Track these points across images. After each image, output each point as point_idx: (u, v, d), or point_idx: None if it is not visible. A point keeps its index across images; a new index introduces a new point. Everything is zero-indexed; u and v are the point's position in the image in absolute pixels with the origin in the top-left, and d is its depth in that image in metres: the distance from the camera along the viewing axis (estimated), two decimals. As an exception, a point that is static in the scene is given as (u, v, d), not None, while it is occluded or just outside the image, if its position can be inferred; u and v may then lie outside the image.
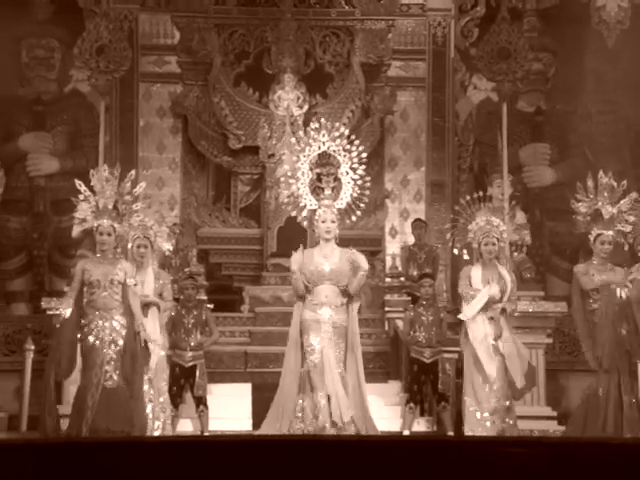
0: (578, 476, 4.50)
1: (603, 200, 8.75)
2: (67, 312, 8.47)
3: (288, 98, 12.66)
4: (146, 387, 8.78)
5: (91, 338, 8.29)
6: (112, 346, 8.28)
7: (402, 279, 12.03)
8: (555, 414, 10.55)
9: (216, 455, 4.63)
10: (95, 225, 8.46)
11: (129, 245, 9.14)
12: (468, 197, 9.32)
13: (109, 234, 8.44)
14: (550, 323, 10.91)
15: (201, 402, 9.71)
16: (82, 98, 13.25)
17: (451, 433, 9.65)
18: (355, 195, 8.66)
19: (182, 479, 4.57)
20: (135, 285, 8.52)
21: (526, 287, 11.34)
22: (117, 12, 12.68)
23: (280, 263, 11.95)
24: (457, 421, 9.70)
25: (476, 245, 9.07)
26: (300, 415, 8.25)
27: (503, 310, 8.92)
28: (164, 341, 9.35)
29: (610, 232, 8.69)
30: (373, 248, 12.33)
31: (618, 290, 8.52)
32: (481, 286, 8.91)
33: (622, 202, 8.77)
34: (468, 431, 8.77)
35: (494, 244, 9.02)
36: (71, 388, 9.19)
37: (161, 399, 9.11)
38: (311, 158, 8.68)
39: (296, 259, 8.49)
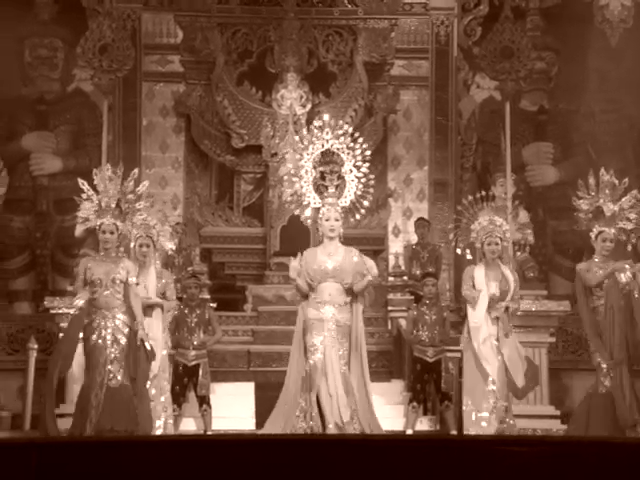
0: (581, 475, 4.50)
1: (604, 198, 8.76)
2: (80, 302, 8.41)
3: (291, 97, 12.66)
4: (147, 385, 8.79)
5: (94, 337, 8.30)
6: (115, 345, 8.29)
7: (405, 278, 12.02)
8: (558, 413, 10.54)
9: (219, 454, 4.63)
10: (98, 224, 8.47)
11: (131, 244, 9.15)
12: (471, 197, 9.32)
13: (112, 232, 8.45)
14: (553, 322, 10.90)
15: (204, 401, 9.72)
16: (85, 97, 13.25)
17: (454, 432, 9.65)
18: (359, 193, 8.64)
19: (185, 478, 4.57)
20: (137, 284, 8.52)
21: (529, 286, 11.34)
22: (120, 11, 12.68)
23: (283, 262, 11.93)
24: (460, 420, 9.70)
25: (479, 245, 9.07)
26: (301, 415, 8.24)
27: (506, 309, 8.92)
28: (167, 340, 9.36)
29: (612, 230, 8.69)
30: (376, 247, 12.33)
31: (622, 275, 8.51)
32: (484, 287, 8.90)
33: (623, 200, 8.77)
34: (465, 430, 8.76)
35: (497, 244, 9.01)
36: (75, 387, 9.19)
37: (162, 398, 9.12)
38: (315, 156, 8.66)
39: (294, 267, 8.47)
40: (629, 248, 8.81)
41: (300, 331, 8.57)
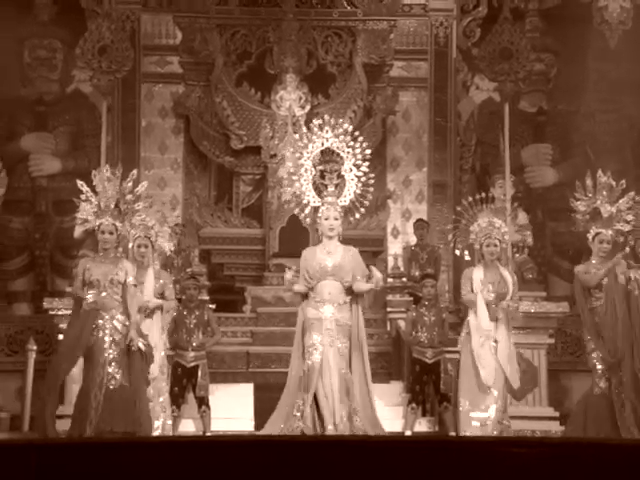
0: (580, 477, 4.50)
1: (602, 199, 8.76)
2: (89, 297, 8.39)
3: (290, 98, 12.66)
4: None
5: (92, 338, 8.29)
6: (113, 346, 8.28)
7: (404, 279, 12.02)
8: (557, 415, 10.54)
9: (218, 455, 4.64)
10: (97, 224, 8.47)
11: (130, 244, 9.14)
12: (470, 198, 9.31)
13: (111, 233, 8.45)
14: (552, 323, 10.91)
15: (203, 402, 9.71)
16: (84, 98, 13.25)
17: (453, 433, 9.65)
18: (359, 192, 8.61)
19: (184, 479, 4.57)
20: (135, 285, 8.51)
21: (528, 288, 11.34)
22: (119, 12, 12.68)
23: (282, 263, 11.93)
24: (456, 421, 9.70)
25: (478, 246, 9.06)
26: (298, 414, 8.23)
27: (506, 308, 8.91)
28: (165, 341, 9.36)
29: (609, 231, 8.69)
30: (375, 248, 12.33)
31: (621, 276, 8.50)
32: (481, 289, 8.90)
33: (621, 201, 8.77)
34: (462, 431, 8.74)
35: (496, 245, 9.01)
36: (74, 387, 9.18)
37: (161, 399, 9.12)
38: (314, 155, 8.63)
39: (288, 279, 8.46)
40: (627, 250, 8.81)
41: (300, 332, 8.55)
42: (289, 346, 9.06)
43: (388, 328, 11.52)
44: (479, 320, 8.81)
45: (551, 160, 13.59)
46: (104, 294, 8.34)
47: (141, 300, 8.80)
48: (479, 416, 8.75)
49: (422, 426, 10.02)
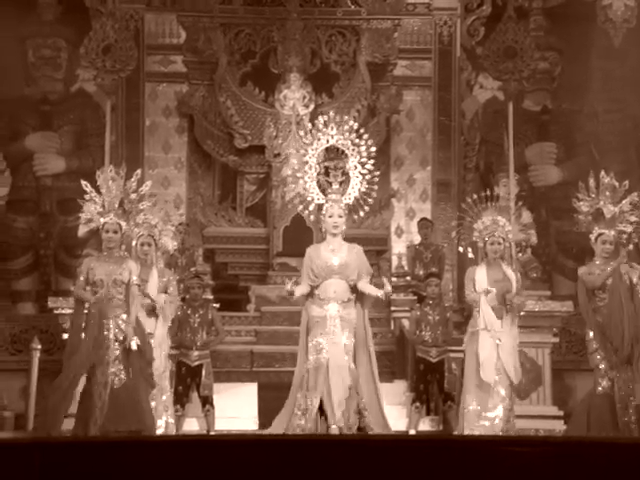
0: (584, 476, 4.49)
1: (605, 200, 8.74)
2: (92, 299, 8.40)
3: (294, 97, 12.67)
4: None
5: (99, 340, 8.29)
6: (117, 345, 8.28)
7: (408, 278, 12.03)
8: (561, 413, 10.53)
9: (222, 454, 4.64)
10: (101, 223, 8.47)
11: (133, 242, 9.15)
12: (475, 196, 9.29)
13: (115, 232, 8.45)
14: (556, 322, 10.90)
15: (207, 401, 9.72)
16: (88, 98, 13.26)
17: (457, 432, 9.64)
18: (363, 190, 8.56)
19: (188, 478, 4.57)
20: (139, 285, 8.51)
21: (532, 286, 11.34)
22: (123, 12, 12.69)
23: (286, 262, 11.97)
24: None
25: (481, 244, 9.04)
26: (299, 413, 8.20)
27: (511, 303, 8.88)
28: (167, 340, 9.34)
29: (611, 232, 8.68)
30: (379, 247, 12.32)
31: (625, 277, 8.50)
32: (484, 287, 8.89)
33: (624, 202, 8.75)
34: (467, 430, 8.71)
35: (500, 243, 8.98)
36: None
37: (164, 397, 9.12)
38: (319, 152, 8.58)
39: (288, 290, 8.39)
40: (630, 247, 8.79)
41: (304, 331, 8.53)
42: (293, 345, 9.06)
43: (392, 327, 11.52)
44: (484, 319, 8.79)
45: (555, 159, 13.59)
46: (108, 294, 8.34)
47: (143, 300, 8.81)
48: (487, 415, 8.73)
49: (426, 425, 10.01)
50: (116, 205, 8.52)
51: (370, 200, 8.60)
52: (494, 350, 8.77)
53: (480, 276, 8.90)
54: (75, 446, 4.88)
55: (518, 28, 11.65)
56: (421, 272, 11.81)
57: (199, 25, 13.02)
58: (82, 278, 8.40)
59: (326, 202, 8.49)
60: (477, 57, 12.75)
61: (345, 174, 8.56)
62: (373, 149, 8.65)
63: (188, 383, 9.73)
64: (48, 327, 11.83)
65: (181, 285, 10.14)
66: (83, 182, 8.67)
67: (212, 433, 9.60)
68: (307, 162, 8.61)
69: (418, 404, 9.87)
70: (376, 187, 8.67)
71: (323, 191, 8.55)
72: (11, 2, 12.83)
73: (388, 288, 8.38)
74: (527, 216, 12.18)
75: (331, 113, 8.86)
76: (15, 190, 13.20)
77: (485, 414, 8.71)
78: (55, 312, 10.65)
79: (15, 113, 13.29)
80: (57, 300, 10.71)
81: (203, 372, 9.71)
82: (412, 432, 9.71)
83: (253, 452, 4.64)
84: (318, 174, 8.58)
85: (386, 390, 10.03)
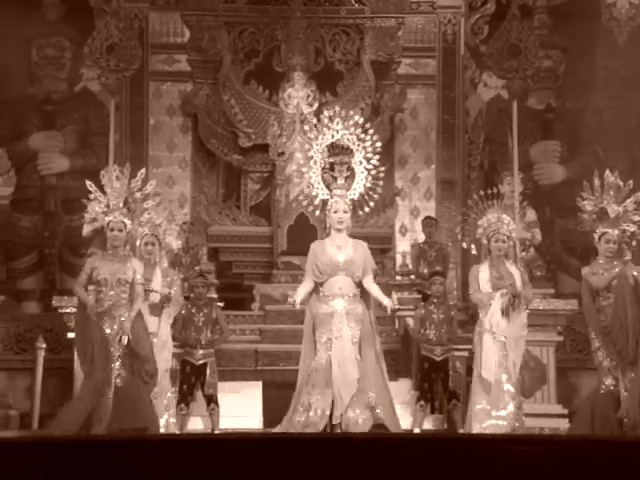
0: (588, 474, 4.49)
1: (609, 199, 8.73)
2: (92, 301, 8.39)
3: (298, 96, 12.67)
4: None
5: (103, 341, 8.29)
6: (120, 344, 8.28)
7: (412, 277, 12.01)
8: (566, 412, 10.53)
9: (227, 453, 4.64)
10: (106, 221, 8.47)
11: (137, 242, 9.15)
12: (482, 192, 9.27)
13: (120, 230, 8.45)
14: (561, 321, 10.89)
15: (212, 400, 9.72)
16: (92, 97, 13.26)
17: (462, 431, 9.64)
18: (368, 186, 8.51)
19: (193, 477, 4.58)
20: (143, 284, 8.52)
21: (537, 285, 11.30)
22: (127, 11, 12.69)
23: (290, 261, 11.96)
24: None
25: (485, 241, 9.03)
26: (301, 409, 8.17)
27: (518, 297, 8.86)
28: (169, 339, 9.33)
29: (615, 231, 8.66)
30: (383, 246, 12.32)
31: (629, 274, 8.48)
32: (488, 285, 8.86)
33: (628, 201, 8.74)
34: (477, 429, 8.71)
35: (504, 241, 8.98)
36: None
37: (167, 395, 9.12)
38: (324, 147, 8.51)
39: (290, 302, 8.37)
40: (633, 244, 8.77)
41: (309, 329, 8.49)
42: (297, 344, 9.05)
43: (396, 326, 11.51)
44: (489, 320, 8.78)
45: (559, 157, 13.57)
46: (111, 293, 8.34)
47: (148, 299, 8.81)
48: (498, 414, 8.71)
49: (430, 424, 10.01)
50: (121, 204, 8.52)
51: (375, 196, 8.54)
52: (497, 350, 8.76)
53: (483, 274, 8.90)
54: (80, 445, 4.89)
55: (522, 26, 11.63)
56: (425, 270, 11.80)
57: (203, 24, 13.02)
58: (85, 275, 8.40)
59: (331, 197, 8.44)
60: (481, 55, 12.73)
61: (350, 169, 8.50)
62: (379, 144, 8.60)
63: (193, 382, 9.73)
64: (53, 326, 11.83)
65: (185, 284, 10.15)
66: (87, 182, 8.69)
67: (217, 432, 9.60)
68: (312, 157, 8.56)
69: (422, 403, 9.86)
70: (381, 182, 8.61)
71: (328, 186, 8.50)
72: (14, 2, 12.83)
73: (392, 305, 8.34)
74: (531, 214, 12.17)
75: (337, 108, 8.79)
76: (20, 189, 13.21)
77: (496, 413, 8.70)
78: (60, 311, 10.66)
79: (19, 113, 13.29)
80: (62, 299, 10.72)
81: (207, 371, 9.72)
82: (417, 431, 9.70)
83: (258, 451, 4.65)
84: (323, 169, 8.53)
85: (390, 388, 10.05)
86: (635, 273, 8.45)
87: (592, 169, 9.18)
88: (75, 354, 8.98)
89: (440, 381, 9.94)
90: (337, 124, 8.51)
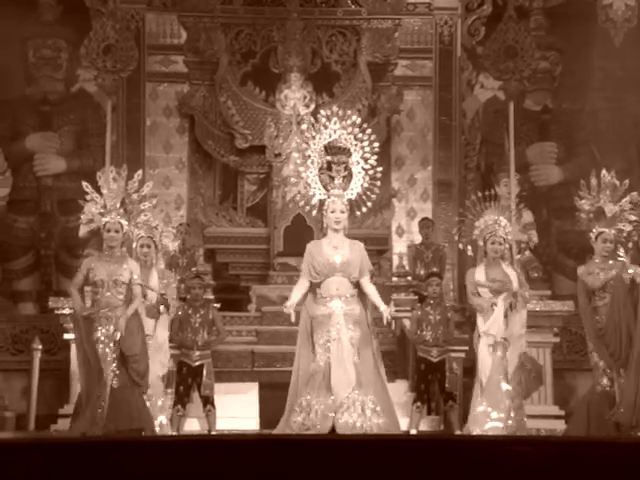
0: (585, 475, 4.49)
1: (605, 198, 8.74)
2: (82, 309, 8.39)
3: (295, 97, 12.67)
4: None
5: (95, 337, 8.28)
6: (114, 346, 8.27)
7: (409, 278, 12.02)
8: (562, 413, 10.54)
9: (223, 454, 4.64)
10: (103, 222, 8.46)
11: (133, 244, 9.15)
12: (480, 193, 9.26)
13: (117, 231, 8.44)
14: (557, 322, 10.90)
15: (208, 401, 9.72)
16: (89, 98, 13.26)
17: (459, 432, 9.64)
18: (366, 186, 8.47)
19: (189, 478, 4.58)
20: (140, 285, 8.51)
21: (533, 286, 11.30)
22: (124, 12, 12.68)
23: (287, 262, 11.96)
24: (464, 420, 9.69)
25: (481, 242, 9.02)
26: (297, 410, 8.14)
27: (515, 296, 8.85)
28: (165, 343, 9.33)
29: (612, 230, 8.67)
30: (380, 247, 12.32)
31: (626, 276, 8.48)
32: (485, 289, 8.85)
33: (624, 200, 8.75)
34: (478, 432, 8.67)
35: (501, 244, 8.96)
36: (78, 387, 9.17)
37: (162, 398, 9.12)
38: (322, 146, 8.46)
39: (285, 312, 8.35)
40: (629, 245, 8.77)
41: (305, 330, 8.44)
42: (294, 345, 9.01)
43: (393, 327, 11.48)
44: (491, 325, 8.77)
45: (556, 158, 13.58)
46: (108, 294, 8.34)
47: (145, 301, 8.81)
48: (498, 416, 8.70)
49: (427, 425, 10.01)
50: (117, 205, 8.52)
51: (373, 196, 8.48)
52: (494, 352, 8.76)
53: (479, 275, 8.89)
54: (76, 446, 4.88)
55: (519, 28, 11.64)
56: (422, 272, 11.81)
57: (200, 25, 13.02)
58: (80, 277, 8.40)
59: (328, 197, 8.40)
60: (478, 57, 12.75)
61: (348, 169, 8.45)
62: (376, 144, 8.53)
63: (189, 383, 9.73)
64: (49, 327, 11.83)
65: (182, 285, 10.15)
66: (84, 183, 8.68)
67: (213, 433, 9.60)
68: (309, 157, 8.52)
69: (419, 404, 9.86)
70: (379, 183, 8.53)
71: (325, 187, 8.46)
72: (11, 2, 12.83)
73: (389, 315, 8.31)
74: (528, 216, 12.18)
75: (334, 107, 8.73)
76: (16, 190, 13.20)
77: (495, 414, 8.69)
78: (56, 312, 10.66)
79: (15, 113, 13.29)
80: (58, 300, 10.72)
81: (204, 372, 9.71)
82: (413, 432, 9.70)
83: (254, 452, 4.65)
84: (320, 169, 8.49)
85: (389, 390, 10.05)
86: (631, 271, 8.46)
87: (588, 170, 9.19)
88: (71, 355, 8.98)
89: (437, 382, 9.94)
90: (334, 124, 8.46)
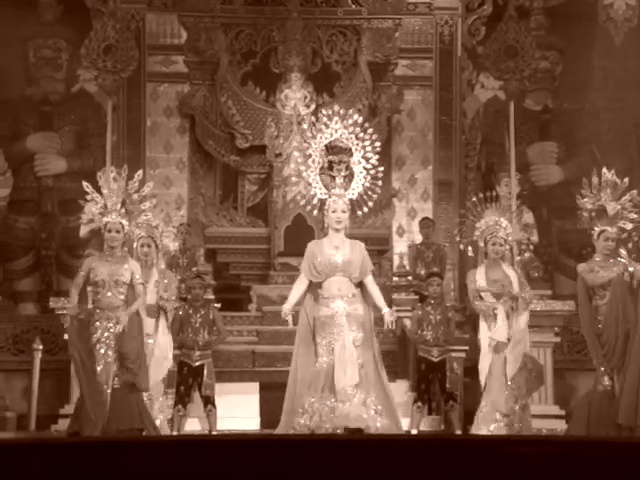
0: (585, 475, 4.49)
1: (606, 197, 8.74)
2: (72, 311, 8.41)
3: (295, 97, 12.67)
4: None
5: (95, 337, 8.29)
6: (117, 345, 8.28)
7: (410, 278, 12.02)
8: (563, 413, 10.54)
9: (224, 454, 4.64)
10: (103, 222, 8.46)
11: (134, 244, 9.15)
12: (481, 194, 9.25)
13: (118, 231, 8.44)
14: (558, 322, 10.90)
15: (209, 401, 9.71)
16: (89, 98, 13.26)
17: (459, 432, 9.64)
18: (367, 185, 8.43)
19: (190, 478, 4.57)
20: (142, 284, 8.51)
21: (534, 286, 11.29)
22: (124, 12, 12.69)
23: (288, 262, 11.95)
24: (465, 420, 9.70)
25: (482, 243, 9.01)
26: (300, 411, 8.11)
27: (516, 299, 8.85)
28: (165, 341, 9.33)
29: (614, 229, 8.67)
30: (380, 247, 12.31)
31: (626, 274, 8.48)
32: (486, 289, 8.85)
33: (623, 199, 8.74)
34: (483, 430, 8.65)
35: (501, 245, 8.95)
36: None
37: (160, 399, 9.12)
38: (323, 145, 8.42)
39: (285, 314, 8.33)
40: (630, 245, 8.77)
41: (305, 330, 8.38)
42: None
43: (394, 327, 11.50)
44: (497, 332, 8.76)
45: (556, 158, 13.58)
46: (109, 294, 8.34)
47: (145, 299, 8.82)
48: (503, 415, 8.70)
49: (427, 425, 10.01)
50: (118, 205, 8.52)
51: (374, 196, 8.42)
52: (496, 353, 8.76)
53: (480, 276, 8.88)
54: (77, 447, 4.88)
55: (519, 27, 11.64)
56: (422, 272, 11.81)
57: (200, 25, 13.02)
58: (81, 277, 8.40)
59: (329, 197, 8.36)
60: (478, 56, 12.75)
61: (349, 169, 8.42)
62: (378, 144, 8.49)
63: (190, 383, 9.73)
64: (50, 327, 11.83)
65: (182, 285, 10.14)
66: (84, 183, 8.68)
67: (214, 433, 9.59)
68: (310, 156, 8.49)
69: (420, 404, 9.86)
70: (380, 183, 8.46)
71: (326, 187, 8.43)
72: (12, 2, 12.84)
73: (391, 320, 8.30)
74: (529, 217, 12.18)
75: (335, 107, 8.69)
76: (16, 191, 13.21)
77: (500, 415, 8.68)
78: (57, 312, 10.65)
79: (16, 114, 13.29)
80: (59, 300, 10.72)
81: (205, 372, 9.71)
82: (414, 432, 9.70)
83: (255, 452, 4.65)
84: (321, 169, 8.45)
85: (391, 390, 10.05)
86: (631, 269, 8.44)
87: (589, 170, 9.19)
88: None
89: (437, 382, 9.94)
90: (336, 123, 8.43)
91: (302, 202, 8.81)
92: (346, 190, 8.36)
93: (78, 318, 8.29)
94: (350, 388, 8.00)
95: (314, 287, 8.36)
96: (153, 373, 8.77)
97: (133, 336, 8.34)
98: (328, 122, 8.41)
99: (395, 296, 11.70)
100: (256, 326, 11.54)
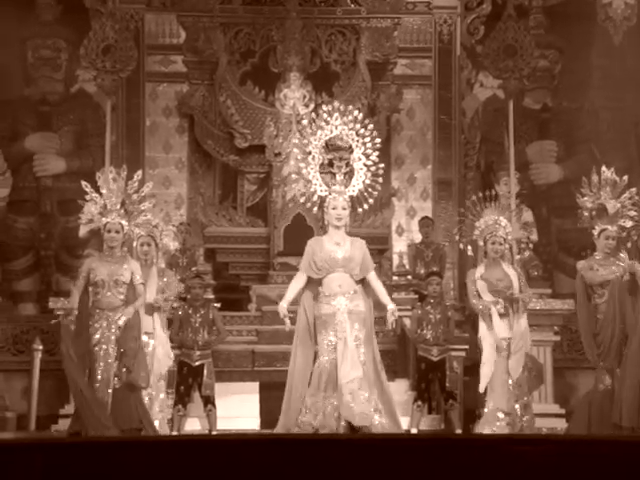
0: (585, 474, 4.49)
1: (606, 195, 8.74)
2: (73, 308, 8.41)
3: (294, 97, 12.67)
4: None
5: (96, 337, 8.29)
6: (117, 345, 8.28)
7: (409, 277, 12.02)
8: (563, 412, 10.54)
9: (224, 454, 4.64)
10: (103, 223, 8.46)
11: (134, 243, 9.15)
12: (480, 193, 9.24)
13: (117, 231, 8.45)
14: (558, 320, 10.90)
15: (209, 401, 9.72)
16: (88, 98, 13.26)
17: (459, 431, 9.64)
18: (368, 182, 8.40)
19: (190, 478, 4.58)
20: (142, 284, 8.51)
21: (533, 285, 11.31)
22: (123, 12, 12.68)
23: (287, 262, 11.95)
24: (465, 419, 9.70)
25: (482, 243, 9.00)
26: (303, 410, 8.08)
27: (516, 301, 8.84)
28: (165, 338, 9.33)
29: (614, 227, 8.67)
30: (380, 246, 12.30)
31: (625, 275, 8.47)
32: (485, 288, 8.84)
33: (623, 197, 8.74)
34: (487, 430, 8.64)
35: (501, 244, 8.93)
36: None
37: (161, 396, 9.12)
38: (323, 142, 8.38)
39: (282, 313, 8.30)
40: (629, 245, 8.77)
41: (305, 327, 8.34)
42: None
43: (394, 326, 11.49)
44: (501, 331, 8.76)
45: (556, 157, 13.58)
46: (109, 294, 8.34)
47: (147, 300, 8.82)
48: (506, 414, 8.69)
49: (427, 424, 10.01)
50: (118, 206, 8.52)
51: (375, 193, 8.37)
52: (497, 353, 8.75)
53: (479, 275, 8.88)
54: (77, 447, 4.88)
55: (518, 26, 11.65)
56: (422, 271, 11.81)
57: (199, 25, 13.02)
58: (82, 280, 8.39)
59: (329, 194, 8.32)
60: (477, 55, 12.75)
61: (349, 166, 8.38)
62: (378, 140, 8.44)
63: (190, 383, 9.74)
64: (49, 328, 11.81)
65: (182, 285, 10.14)
66: (83, 183, 8.67)
67: (214, 433, 9.60)
68: (310, 152, 8.45)
69: (420, 403, 9.86)
70: (380, 180, 8.40)
71: (326, 184, 8.39)
72: (10, 2, 12.83)
73: (392, 317, 8.26)
74: (528, 216, 12.18)
75: (335, 103, 8.64)
76: (16, 191, 13.20)
77: (502, 414, 8.67)
78: (56, 313, 10.64)
79: (15, 114, 13.29)
80: (58, 300, 10.71)
81: (205, 372, 9.72)
82: (414, 431, 9.71)
83: (255, 452, 4.65)
84: (321, 166, 8.42)
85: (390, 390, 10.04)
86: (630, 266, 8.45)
87: (588, 168, 9.19)
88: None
89: (437, 381, 9.94)
90: (336, 119, 8.38)
91: (302, 199, 8.76)
92: (346, 187, 8.32)
93: (76, 318, 8.28)
94: (356, 382, 7.96)
95: (314, 285, 8.29)
96: (156, 367, 8.78)
97: (132, 336, 8.34)
98: (328, 118, 8.36)
99: (395, 295, 11.65)
100: (256, 326, 11.54)
